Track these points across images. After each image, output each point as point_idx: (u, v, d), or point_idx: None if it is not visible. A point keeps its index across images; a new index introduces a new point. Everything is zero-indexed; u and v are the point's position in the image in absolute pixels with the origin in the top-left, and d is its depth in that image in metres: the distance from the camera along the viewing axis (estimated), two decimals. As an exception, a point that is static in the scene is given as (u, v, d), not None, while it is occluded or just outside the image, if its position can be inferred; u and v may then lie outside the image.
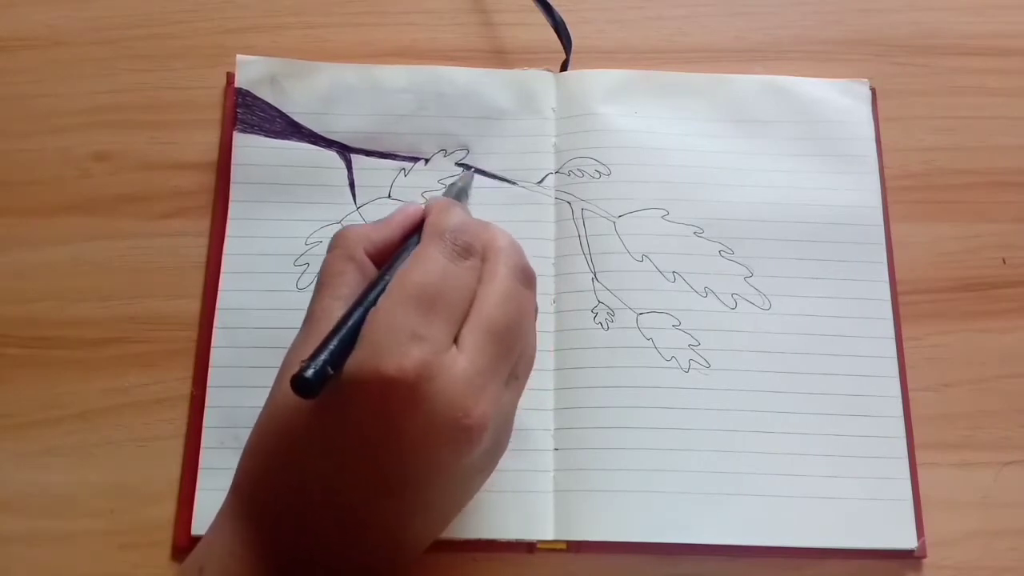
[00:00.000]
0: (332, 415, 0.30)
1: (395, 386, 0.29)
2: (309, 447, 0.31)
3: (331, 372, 0.29)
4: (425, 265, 0.31)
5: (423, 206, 0.35)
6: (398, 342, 0.29)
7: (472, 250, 0.33)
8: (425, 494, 0.32)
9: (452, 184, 0.41)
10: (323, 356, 0.29)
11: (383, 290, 0.31)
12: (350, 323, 0.30)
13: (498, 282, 0.32)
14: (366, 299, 0.31)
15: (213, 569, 0.31)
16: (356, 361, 0.29)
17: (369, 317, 0.30)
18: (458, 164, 0.44)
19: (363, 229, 0.35)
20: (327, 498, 0.31)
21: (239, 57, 0.45)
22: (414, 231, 0.35)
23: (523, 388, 0.35)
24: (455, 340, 0.31)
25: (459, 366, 0.30)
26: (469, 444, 0.31)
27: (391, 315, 0.30)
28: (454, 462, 0.31)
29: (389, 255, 0.34)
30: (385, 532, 0.32)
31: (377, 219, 0.36)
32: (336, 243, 0.34)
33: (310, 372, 0.28)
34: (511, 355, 0.33)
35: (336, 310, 0.32)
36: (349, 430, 0.30)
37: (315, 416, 0.30)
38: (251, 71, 0.45)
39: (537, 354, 0.40)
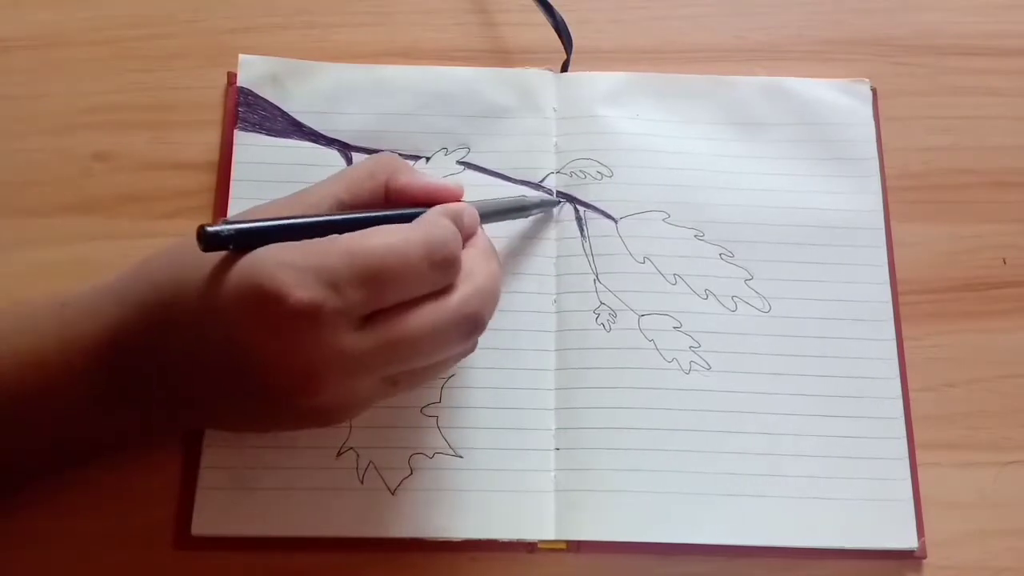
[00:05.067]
0: (218, 285, 0.30)
1: (277, 301, 0.29)
2: (184, 295, 0.31)
3: (230, 241, 0.29)
4: (401, 249, 0.31)
5: (460, 193, 0.36)
6: (318, 278, 0.29)
7: (447, 270, 0.32)
8: (227, 406, 0.33)
9: (521, 198, 0.42)
10: (239, 227, 0.29)
11: (346, 222, 0.32)
12: (296, 221, 0.31)
13: (441, 315, 0.32)
14: (328, 215, 0.32)
15: (75, 309, 0.34)
16: (272, 257, 0.30)
17: (321, 241, 0.30)
18: (459, 162, 0.44)
19: (399, 162, 0.36)
20: (168, 341, 0.32)
21: (241, 56, 0.45)
22: (431, 203, 0.35)
23: (394, 395, 0.35)
24: (365, 320, 0.31)
25: (348, 342, 0.30)
26: (295, 410, 0.31)
27: (335, 254, 0.30)
28: (273, 406, 0.32)
29: (402, 205, 0.35)
30: (179, 405, 0.34)
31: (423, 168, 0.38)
32: (372, 157, 0.36)
33: (213, 229, 0.29)
34: (402, 368, 0.33)
35: (319, 204, 0.33)
36: (222, 309, 0.30)
37: (206, 272, 0.31)
38: (253, 70, 0.45)
39: (537, 354, 0.40)
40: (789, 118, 0.46)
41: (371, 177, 0.35)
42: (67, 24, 0.47)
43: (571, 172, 0.44)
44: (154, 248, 0.42)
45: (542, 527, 0.38)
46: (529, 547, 0.38)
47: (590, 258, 0.43)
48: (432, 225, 0.33)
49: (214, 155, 0.45)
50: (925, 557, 0.39)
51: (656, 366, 0.41)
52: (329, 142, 0.44)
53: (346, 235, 0.31)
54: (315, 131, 0.45)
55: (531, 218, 0.43)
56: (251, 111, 0.45)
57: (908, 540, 0.39)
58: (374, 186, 0.35)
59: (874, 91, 0.46)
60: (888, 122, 0.46)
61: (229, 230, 0.29)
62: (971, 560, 0.39)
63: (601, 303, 0.42)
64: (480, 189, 0.44)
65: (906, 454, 0.40)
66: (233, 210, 0.43)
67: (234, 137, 0.44)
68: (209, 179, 0.44)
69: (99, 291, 0.34)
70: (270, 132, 0.44)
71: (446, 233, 0.33)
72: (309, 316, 0.29)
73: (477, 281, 0.33)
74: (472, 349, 0.36)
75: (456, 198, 0.36)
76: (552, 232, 0.43)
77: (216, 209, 0.43)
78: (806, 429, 0.40)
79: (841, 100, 0.46)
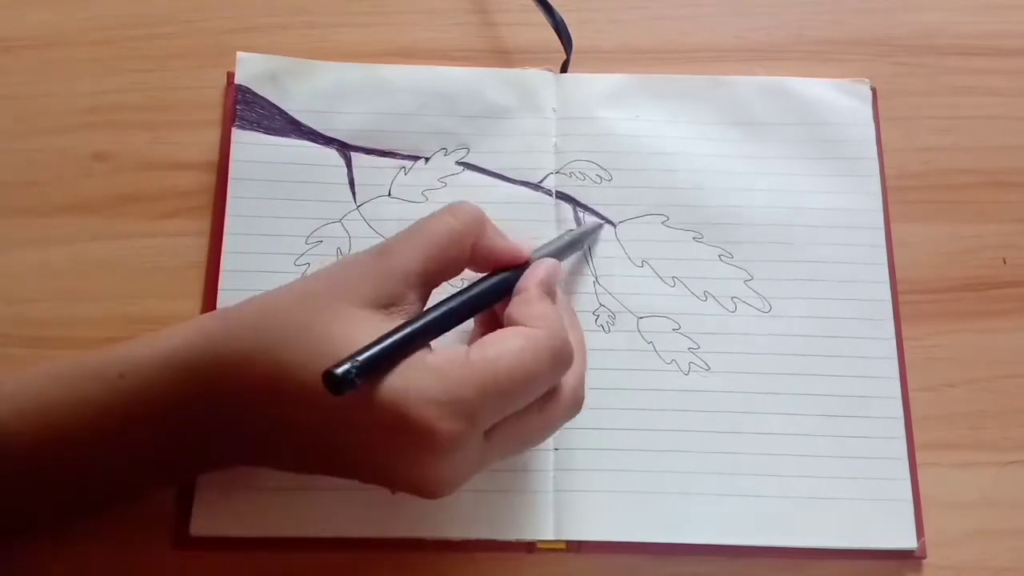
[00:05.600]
0: (350, 404, 0.30)
1: (423, 436, 0.30)
2: (281, 384, 0.31)
3: (356, 381, 0.29)
4: (532, 368, 0.31)
5: (529, 255, 0.36)
6: (457, 410, 0.30)
7: (568, 365, 0.33)
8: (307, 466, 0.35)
9: (571, 232, 0.41)
10: (362, 360, 0.29)
11: (450, 314, 0.32)
12: (404, 334, 0.31)
13: (555, 414, 0.34)
14: (430, 316, 0.32)
15: (134, 380, 0.32)
16: (413, 392, 0.30)
17: (454, 362, 0.30)
18: (458, 162, 0.44)
19: (481, 218, 0.35)
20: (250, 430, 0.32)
21: (239, 54, 0.45)
22: (512, 265, 0.35)
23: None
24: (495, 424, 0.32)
25: (477, 455, 0.32)
26: (423, 495, 0.32)
27: (474, 388, 0.30)
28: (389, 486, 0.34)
29: (481, 263, 0.35)
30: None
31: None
32: (451, 212, 0.34)
33: (341, 372, 0.28)
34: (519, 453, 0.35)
35: (411, 274, 0.33)
36: (349, 424, 0.31)
37: (307, 378, 0.30)
38: (251, 68, 0.45)
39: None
40: (789, 118, 0.46)
41: (457, 244, 0.34)
42: (67, 24, 0.47)
43: (570, 173, 0.44)
44: (154, 248, 0.43)
45: (541, 527, 0.38)
46: (528, 547, 0.38)
47: (589, 260, 0.43)
48: (554, 326, 0.33)
49: (214, 155, 0.45)
50: (925, 557, 0.39)
51: (655, 367, 0.41)
52: (328, 141, 0.44)
53: (475, 356, 0.31)
54: (314, 130, 0.45)
55: (527, 215, 0.43)
56: (249, 109, 0.45)
57: (908, 540, 0.39)
58: (460, 253, 0.34)
59: (874, 91, 0.46)
60: (888, 122, 0.46)
61: (354, 369, 0.29)
62: (971, 560, 0.39)
63: (600, 305, 0.42)
64: (479, 190, 0.44)
65: (906, 454, 0.40)
66: (231, 210, 0.43)
67: (232, 135, 0.44)
68: (209, 179, 0.44)
69: (159, 360, 0.32)
70: (268, 131, 0.44)
71: (564, 331, 0.33)
72: (451, 444, 0.30)
73: (578, 368, 0.35)
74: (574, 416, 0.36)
75: (527, 257, 0.36)
76: (552, 232, 0.43)
77: (216, 209, 0.43)
78: (806, 429, 0.40)
79: (841, 100, 0.46)
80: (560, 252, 0.39)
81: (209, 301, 0.42)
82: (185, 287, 0.42)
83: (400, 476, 0.32)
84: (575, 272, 0.42)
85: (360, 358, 0.29)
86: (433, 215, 0.34)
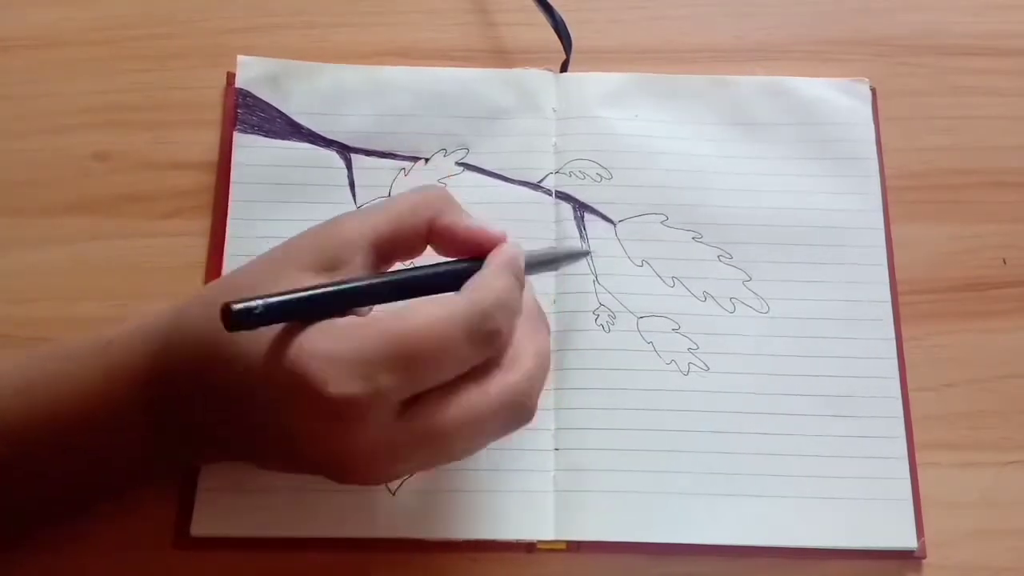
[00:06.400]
0: (257, 367, 0.30)
1: (314, 397, 0.28)
2: (218, 363, 0.31)
3: (259, 322, 0.28)
4: (440, 329, 0.29)
5: (504, 241, 0.34)
6: (352, 370, 0.28)
7: (494, 344, 0.31)
8: (263, 457, 0.34)
9: (552, 251, 0.40)
10: (268, 302, 0.28)
11: (388, 286, 0.31)
12: (327, 291, 0.29)
13: (480, 406, 0.31)
14: (361, 281, 0.31)
15: (117, 348, 0.34)
16: (309, 348, 0.29)
17: (355, 322, 0.29)
18: (458, 163, 0.44)
19: (446, 198, 0.34)
20: (201, 399, 0.32)
21: (240, 58, 0.45)
22: (476, 247, 0.33)
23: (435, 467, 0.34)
24: (405, 404, 0.30)
25: (385, 433, 0.29)
26: (339, 479, 0.32)
27: (372, 341, 0.29)
28: (312, 471, 0.33)
29: (444, 245, 0.34)
30: (210, 444, 0.35)
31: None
32: (418, 189, 0.34)
33: (240, 308, 0.28)
34: (452, 456, 0.32)
35: (356, 238, 0.32)
36: (260, 388, 0.30)
37: (240, 349, 0.30)
38: (252, 71, 0.45)
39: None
40: (789, 118, 0.46)
41: (414, 214, 0.33)
42: (67, 24, 0.47)
43: (570, 172, 0.44)
44: (154, 248, 0.43)
45: (541, 527, 0.38)
46: (528, 547, 0.38)
47: (589, 259, 0.43)
48: (481, 292, 0.31)
49: (213, 155, 0.45)
50: (925, 557, 0.39)
51: (655, 367, 0.41)
52: (328, 143, 0.44)
53: (385, 316, 0.30)
54: (314, 132, 0.45)
55: (527, 215, 0.43)
56: (250, 113, 0.45)
57: (908, 540, 0.39)
58: (416, 223, 0.33)
59: (874, 91, 0.46)
60: (888, 122, 0.46)
61: (252, 309, 0.28)
62: (971, 560, 0.39)
63: (600, 304, 0.42)
64: (479, 190, 0.44)
65: (906, 454, 0.40)
66: (233, 213, 0.43)
67: (233, 140, 0.44)
68: (209, 179, 0.44)
69: (141, 330, 0.34)
70: (269, 134, 0.44)
71: (495, 301, 0.31)
72: (345, 409, 0.29)
73: (524, 365, 0.32)
74: (521, 426, 0.33)
75: (493, 242, 0.33)
76: (552, 232, 0.43)
77: (216, 209, 0.43)
78: (806, 429, 0.40)
79: (841, 100, 0.46)
80: (534, 261, 0.36)
81: (209, 301, 0.42)
82: (185, 287, 0.42)
83: (307, 450, 0.30)
84: (573, 272, 0.42)
85: (262, 300, 0.28)
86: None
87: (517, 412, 0.32)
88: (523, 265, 0.34)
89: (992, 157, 0.46)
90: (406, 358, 0.29)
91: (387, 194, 0.44)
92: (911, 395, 0.41)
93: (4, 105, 0.45)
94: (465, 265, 0.33)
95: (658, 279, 0.42)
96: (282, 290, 0.29)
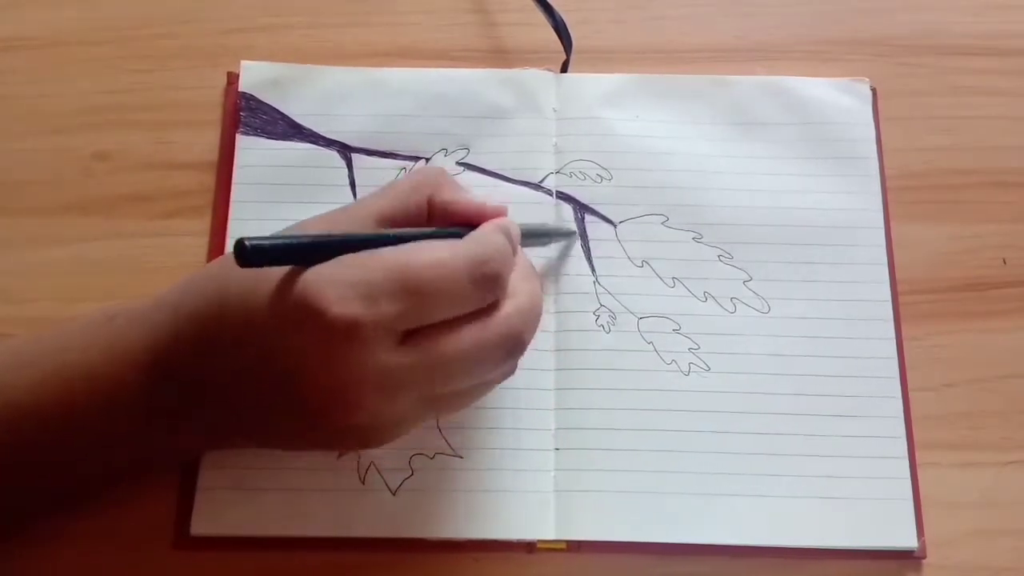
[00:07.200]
0: (261, 300, 0.30)
1: (316, 316, 0.29)
2: (227, 310, 0.32)
3: (270, 257, 0.29)
4: (444, 264, 0.30)
5: (504, 211, 0.35)
6: (355, 292, 0.29)
7: (492, 287, 0.32)
8: (266, 423, 0.33)
9: (543, 225, 0.41)
10: (279, 242, 0.29)
11: (391, 238, 0.31)
12: (338, 237, 0.30)
13: (482, 334, 0.32)
14: (367, 233, 0.32)
15: (121, 321, 0.34)
16: (313, 272, 0.30)
17: (362, 255, 0.30)
18: (458, 163, 0.44)
19: (443, 176, 0.35)
20: (213, 354, 0.32)
21: (243, 63, 0.46)
22: (474, 221, 0.34)
23: (434, 418, 0.35)
24: (406, 336, 0.30)
25: (385, 359, 0.30)
26: (332, 428, 0.31)
27: (376, 269, 0.30)
28: (311, 424, 0.32)
29: (444, 221, 0.35)
30: (217, 420, 0.34)
31: (460, 183, 0.37)
32: (416, 170, 0.35)
33: (253, 243, 0.28)
34: (442, 388, 0.32)
35: (362, 216, 0.33)
36: (262, 323, 0.30)
37: (248, 287, 0.31)
38: (255, 75, 0.46)
39: (537, 353, 0.40)
40: (789, 118, 0.46)
41: (415, 191, 0.35)
42: (67, 24, 0.47)
43: (570, 173, 0.44)
44: (154, 248, 0.43)
45: (542, 527, 0.38)
46: (529, 547, 0.38)
47: (589, 260, 0.43)
48: (480, 241, 0.32)
49: (214, 155, 0.45)
50: (925, 557, 0.39)
51: (655, 368, 0.41)
52: (329, 143, 0.44)
53: (390, 248, 0.30)
54: (315, 132, 0.45)
55: (527, 215, 0.43)
56: (253, 115, 0.45)
57: (908, 540, 0.39)
58: (418, 200, 0.35)
59: (874, 91, 0.46)
60: (888, 122, 0.46)
61: (269, 245, 0.29)
62: (971, 560, 0.39)
63: (601, 305, 0.42)
64: (480, 190, 0.44)
65: (906, 454, 0.40)
66: (235, 213, 0.43)
67: (236, 142, 0.44)
68: (209, 179, 0.44)
69: (148, 304, 0.35)
70: (271, 135, 0.44)
71: (494, 249, 0.32)
72: (347, 331, 0.29)
73: (520, 301, 0.33)
74: (512, 371, 0.35)
75: (494, 212, 0.35)
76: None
77: (216, 209, 0.43)
78: (806, 429, 0.40)
79: (841, 100, 0.46)
80: (525, 231, 0.37)
81: (209, 301, 0.42)
82: (185, 287, 0.42)
83: (309, 386, 0.30)
84: (573, 272, 0.42)
85: (274, 241, 0.29)
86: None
87: (513, 344, 0.33)
88: (517, 232, 0.35)
89: (992, 157, 0.46)
90: (410, 289, 0.30)
91: (387, 194, 0.44)
92: (911, 395, 0.41)
93: (4, 105, 0.45)
94: (464, 231, 0.34)
95: (658, 279, 0.42)
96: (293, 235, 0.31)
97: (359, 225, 0.33)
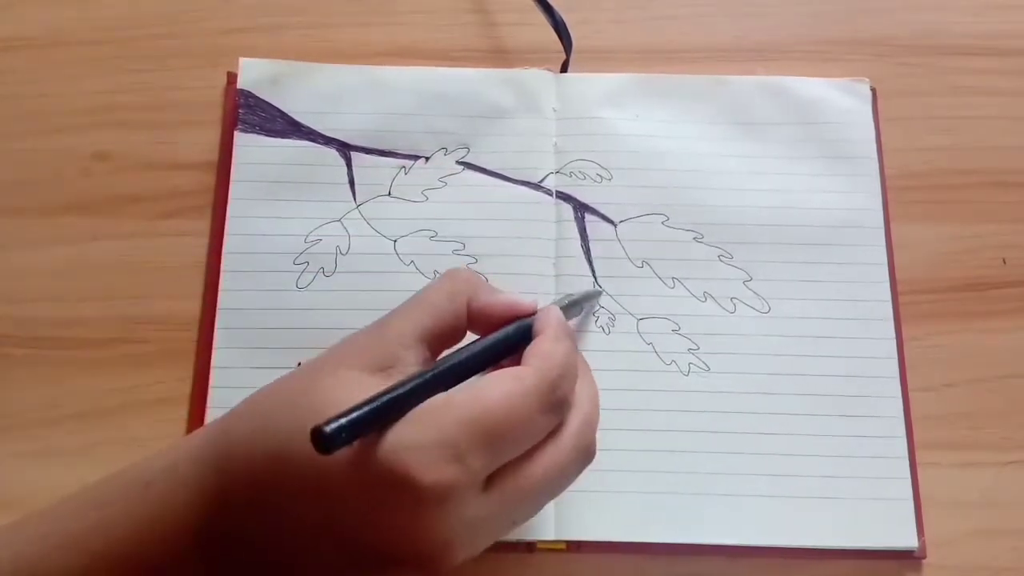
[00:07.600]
0: (336, 474, 0.29)
1: (409, 489, 0.28)
2: (286, 480, 0.30)
3: (347, 439, 0.27)
4: (518, 404, 0.30)
5: (535, 305, 0.34)
6: (443, 455, 0.28)
7: (561, 410, 0.31)
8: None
9: (572, 296, 0.39)
10: (352, 418, 0.27)
11: (453, 370, 0.31)
12: (403, 391, 0.29)
13: (559, 458, 0.31)
14: (429, 372, 0.30)
15: (160, 488, 0.31)
16: (392, 440, 0.28)
17: (435, 407, 0.29)
18: (458, 162, 0.44)
19: (476, 279, 0.34)
20: (281, 520, 0.30)
21: (242, 60, 0.46)
22: (513, 320, 0.34)
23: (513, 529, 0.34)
24: (487, 481, 0.30)
25: (474, 510, 0.29)
26: (419, 572, 0.30)
27: (453, 423, 0.29)
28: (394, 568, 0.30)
29: (482, 324, 0.34)
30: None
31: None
32: (447, 276, 0.34)
33: (330, 430, 0.27)
34: (529, 514, 0.32)
35: (405, 335, 0.32)
36: (340, 496, 0.29)
37: (316, 460, 0.28)
38: (253, 72, 0.45)
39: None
40: (789, 118, 0.46)
41: (452, 301, 0.33)
42: (67, 24, 0.47)
43: (570, 172, 0.44)
44: (154, 248, 0.43)
45: (542, 527, 0.38)
46: (528, 547, 0.38)
47: (589, 260, 0.43)
48: (546, 359, 0.31)
49: (213, 155, 0.45)
50: (925, 557, 0.39)
51: (655, 368, 0.41)
52: (328, 141, 0.44)
53: (459, 397, 0.30)
54: (314, 130, 0.45)
55: (529, 215, 0.43)
56: (251, 113, 0.45)
57: (908, 540, 0.39)
58: (457, 310, 0.33)
59: (874, 91, 0.46)
60: (888, 122, 0.46)
61: (344, 427, 0.27)
62: (971, 560, 0.39)
63: (600, 306, 0.42)
64: (480, 189, 0.44)
65: (906, 454, 0.40)
66: (232, 209, 0.43)
67: (234, 139, 0.44)
68: (209, 179, 0.44)
69: (183, 465, 0.32)
70: (269, 133, 0.44)
71: (560, 366, 0.31)
72: (440, 497, 0.28)
73: (585, 411, 0.33)
74: (588, 465, 0.34)
75: (528, 309, 0.34)
76: (551, 232, 0.43)
77: (216, 209, 0.43)
78: (806, 429, 0.40)
79: (841, 100, 0.46)
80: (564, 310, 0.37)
81: (209, 301, 0.42)
82: (185, 287, 0.42)
83: (397, 544, 0.29)
84: (573, 273, 0.42)
85: (347, 418, 0.27)
86: (429, 283, 0.34)
87: (586, 455, 0.32)
88: (572, 330, 0.34)
89: (992, 157, 0.46)
90: (490, 436, 0.29)
91: (387, 192, 0.44)
92: (911, 395, 0.41)
93: (4, 105, 0.45)
94: (511, 327, 0.33)
95: (658, 280, 0.42)
96: (356, 400, 0.29)
97: (404, 347, 0.32)
